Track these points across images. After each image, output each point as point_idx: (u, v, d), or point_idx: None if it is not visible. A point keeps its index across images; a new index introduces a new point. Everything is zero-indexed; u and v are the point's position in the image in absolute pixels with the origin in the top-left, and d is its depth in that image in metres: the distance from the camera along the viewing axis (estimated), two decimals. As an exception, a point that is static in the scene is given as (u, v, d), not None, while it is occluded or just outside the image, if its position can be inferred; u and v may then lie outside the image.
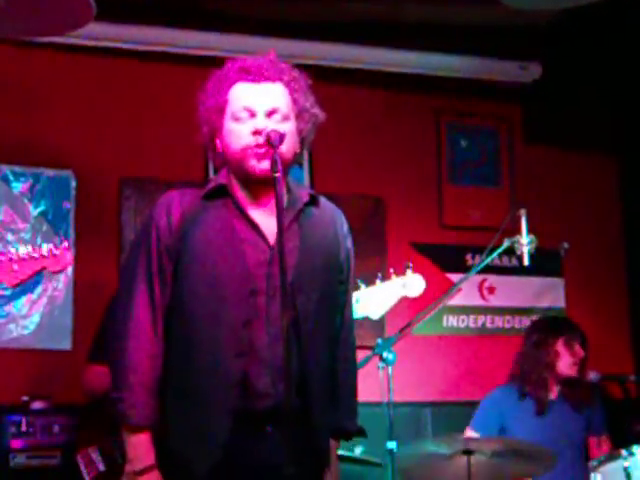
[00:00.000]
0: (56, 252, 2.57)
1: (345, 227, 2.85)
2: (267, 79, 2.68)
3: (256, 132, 2.59)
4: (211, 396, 2.56)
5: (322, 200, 2.80)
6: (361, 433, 2.89)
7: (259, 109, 2.64)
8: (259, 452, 2.50)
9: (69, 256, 2.57)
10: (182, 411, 2.60)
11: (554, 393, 4.64)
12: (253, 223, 2.63)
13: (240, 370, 2.51)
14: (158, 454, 2.59)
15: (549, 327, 4.77)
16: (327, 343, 2.72)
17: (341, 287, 2.81)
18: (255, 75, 2.69)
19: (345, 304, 2.85)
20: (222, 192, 2.69)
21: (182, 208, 2.67)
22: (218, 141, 2.71)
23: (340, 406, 2.76)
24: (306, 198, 2.73)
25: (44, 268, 2.56)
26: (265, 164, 2.56)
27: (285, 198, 2.70)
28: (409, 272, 3.82)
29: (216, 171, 2.80)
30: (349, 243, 2.85)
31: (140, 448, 2.57)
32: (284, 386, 2.40)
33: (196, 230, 2.64)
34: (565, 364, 4.62)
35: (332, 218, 2.81)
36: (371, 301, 3.75)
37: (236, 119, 2.65)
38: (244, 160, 2.62)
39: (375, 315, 3.79)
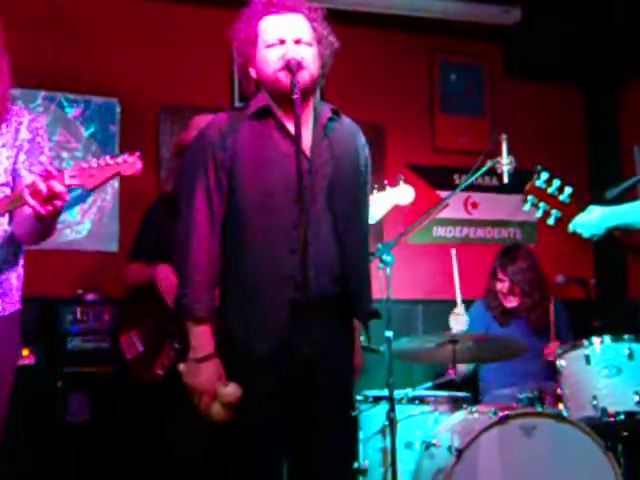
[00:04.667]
0: (129, 159, 2.55)
1: (363, 138, 2.85)
2: (290, 10, 2.68)
3: (286, 54, 2.60)
4: (269, 289, 2.57)
5: (343, 115, 2.81)
6: (377, 315, 2.91)
7: (287, 37, 2.63)
8: (310, 334, 2.41)
9: (139, 164, 2.56)
10: (243, 304, 2.60)
11: (517, 312, 4.69)
12: (292, 136, 2.59)
13: (292, 265, 2.48)
14: (220, 342, 2.60)
15: (497, 258, 4.80)
16: (359, 236, 2.74)
17: (364, 190, 2.84)
18: (280, 7, 2.68)
19: (366, 206, 2.88)
20: (264, 112, 2.67)
21: (231, 128, 2.65)
22: (252, 69, 2.70)
23: (366, 290, 2.79)
24: (328, 114, 2.73)
25: (118, 173, 2.55)
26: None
27: (312, 116, 2.71)
28: (401, 183, 3.83)
29: (241, 98, 2.80)
30: (366, 152, 2.86)
31: (202, 338, 2.58)
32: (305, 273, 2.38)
33: (245, 146, 2.63)
34: (500, 293, 4.67)
35: (352, 131, 2.82)
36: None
37: (269, 47, 2.64)
38: (277, 82, 2.61)
39: (372, 220, 3.79)
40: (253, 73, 2.70)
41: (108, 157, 2.54)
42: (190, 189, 2.65)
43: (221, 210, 2.64)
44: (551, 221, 3.07)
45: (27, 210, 2.67)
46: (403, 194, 3.84)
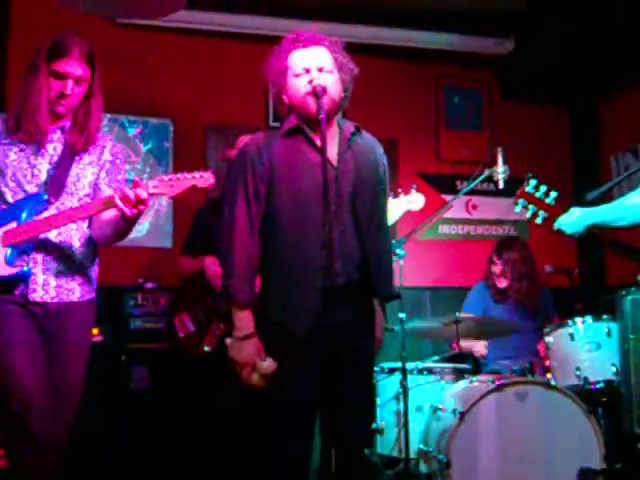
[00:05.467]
0: (204, 175, 2.63)
1: (381, 150, 2.86)
2: (313, 44, 2.70)
3: (311, 81, 2.62)
4: (304, 279, 2.58)
5: (363, 131, 2.81)
6: (398, 296, 2.92)
7: (312, 66, 2.65)
8: (338, 315, 2.47)
9: (212, 179, 2.63)
10: (282, 292, 2.62)
11: (507, 292, 4.66)
12: (320, 150, 2.59)
13: (323, 258, 2.49)
14: (263, 324, 2.62)
15: (495, 245, 4.78)
16: (378, 232, 2.75)
17: (382, 194, 2.84)
18: (305, 42, 2.70)
19: (385, 206, 2.87)
20: (295, 130, 2.69)
21: (267, 145, 2.68)
22: (284, 96, 2.72)
23: (384, 276, 2.77)
24: (351, 129, 2.75)
25: (194, 185, 2.63)
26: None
27: (337, 132, 2.73)
28: (413, 191, 3.83)
29: (275, 119, 2.83)
30: (385, 161, 2.86)
31: (244, 320, 2.61)
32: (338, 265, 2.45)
33: (280, 160, 2.65)
34: (494, 275, 4.65)
35: (372, 144, 2.83)
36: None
37: (296, 76, 2.66)
38: (305, 105, 2.63)
39: (388, 222, 3.80)
40: (286, 99, 2.72)
41: (186, 172, 2.64)
42: (232, 198, 2.67)
43: (258, 215, 2.65)
44: (539, 220, 3.08)
45: (105, 216, 2.77)
46: (415, 201, 3.84)
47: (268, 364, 2.57)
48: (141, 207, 2.58)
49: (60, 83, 2.78)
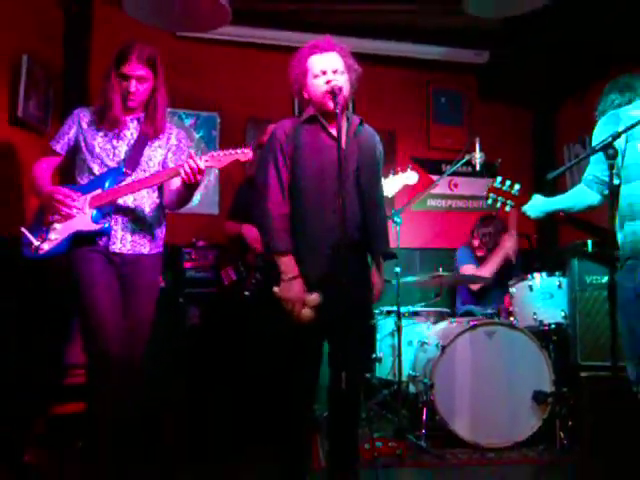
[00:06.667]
0: (245, 150, 2.66)
1: (378, 138, 2.85)
2: (328, 50, 2.67)
3: (328, 82, 2.59)
4: (320, 236, 2.58)
5: (365, 124, 2.81)
6: (394, 256, 2.91)
7: (328, 68, 2.62)
8: (345, 265, 2.39)
9: (250, 153, 2.66)
10: (303, 246, 2.61)
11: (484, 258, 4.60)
12: (332, 136, 2.62)
13: (334, 221, 2.48)
14: None
15: (476, 222, 4.71)
16: (375, 201, 2.74)
17: (379, 172, 2.82)
18: (321, 49, 2.67)
19: (380, 182, 2.85)
20: (313, 119, 2.68)
21: (292, 128, 2.67)
22: (305, 93, 2.69)
23: (381, 236, 2.76)
24: (357, 122, 2.74)
25: (237, 159, 2.66)
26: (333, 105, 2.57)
27: (346, 122, 2.71)
28: (409, 170, 3.83)
29: (300, 111, 2.81)
30: (380, 147, 2.84)
31: (288, 265, 2.57)
32: (343, 227, 2.40)
33: (301, 140, 2.63)
34: (474, 245, 4.57)
35: (372, 134, 2.82)
36: (387, 186, 3.76)
37: (315, 77, 2.63)
38: (324, 102, 2.60)
39: (389, 194, 3.80)
40: (306, 95, 2.70)
41: (231, 149, 2.66)
42: (265, 168, 2.66)
43: (287, 181, 2.63)
44: (507, 209, 3.04)
45: (172, 186, 2.81)
46: (411, 177, 3.85)
47: (315, 296, 2.52)
48: (198, 176, 2.63)
49: (126, 83, 2.80)
